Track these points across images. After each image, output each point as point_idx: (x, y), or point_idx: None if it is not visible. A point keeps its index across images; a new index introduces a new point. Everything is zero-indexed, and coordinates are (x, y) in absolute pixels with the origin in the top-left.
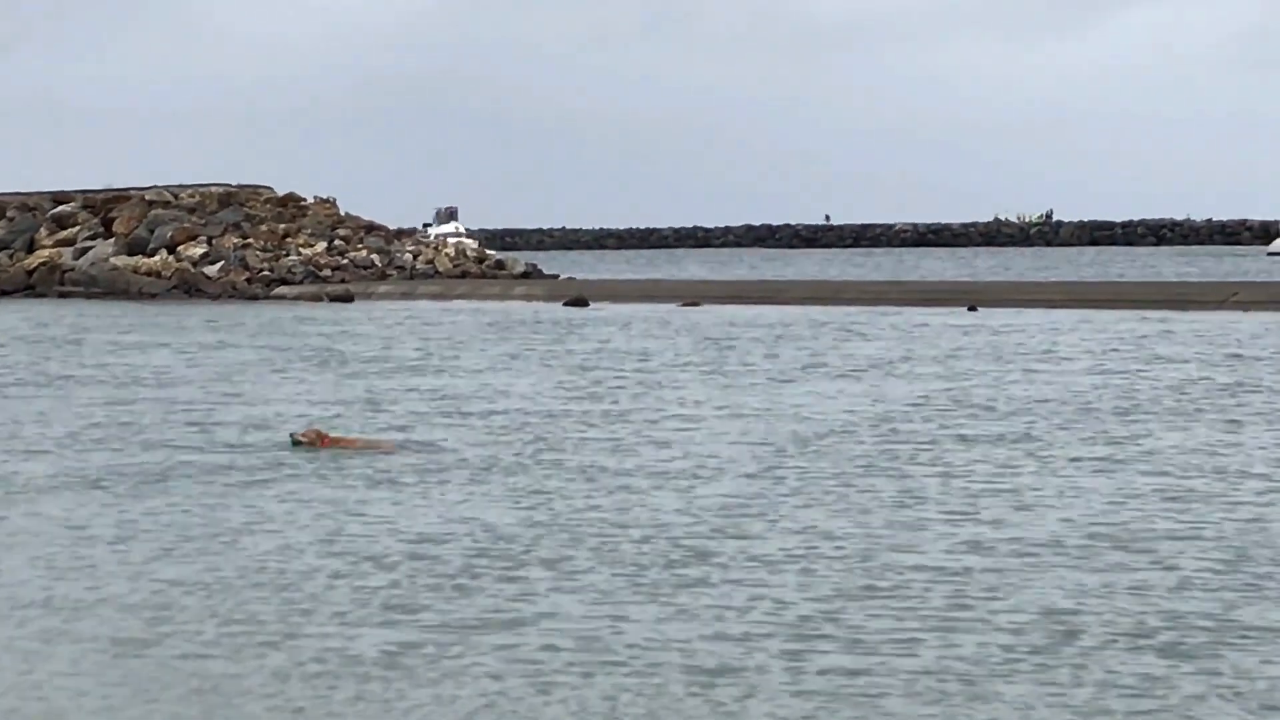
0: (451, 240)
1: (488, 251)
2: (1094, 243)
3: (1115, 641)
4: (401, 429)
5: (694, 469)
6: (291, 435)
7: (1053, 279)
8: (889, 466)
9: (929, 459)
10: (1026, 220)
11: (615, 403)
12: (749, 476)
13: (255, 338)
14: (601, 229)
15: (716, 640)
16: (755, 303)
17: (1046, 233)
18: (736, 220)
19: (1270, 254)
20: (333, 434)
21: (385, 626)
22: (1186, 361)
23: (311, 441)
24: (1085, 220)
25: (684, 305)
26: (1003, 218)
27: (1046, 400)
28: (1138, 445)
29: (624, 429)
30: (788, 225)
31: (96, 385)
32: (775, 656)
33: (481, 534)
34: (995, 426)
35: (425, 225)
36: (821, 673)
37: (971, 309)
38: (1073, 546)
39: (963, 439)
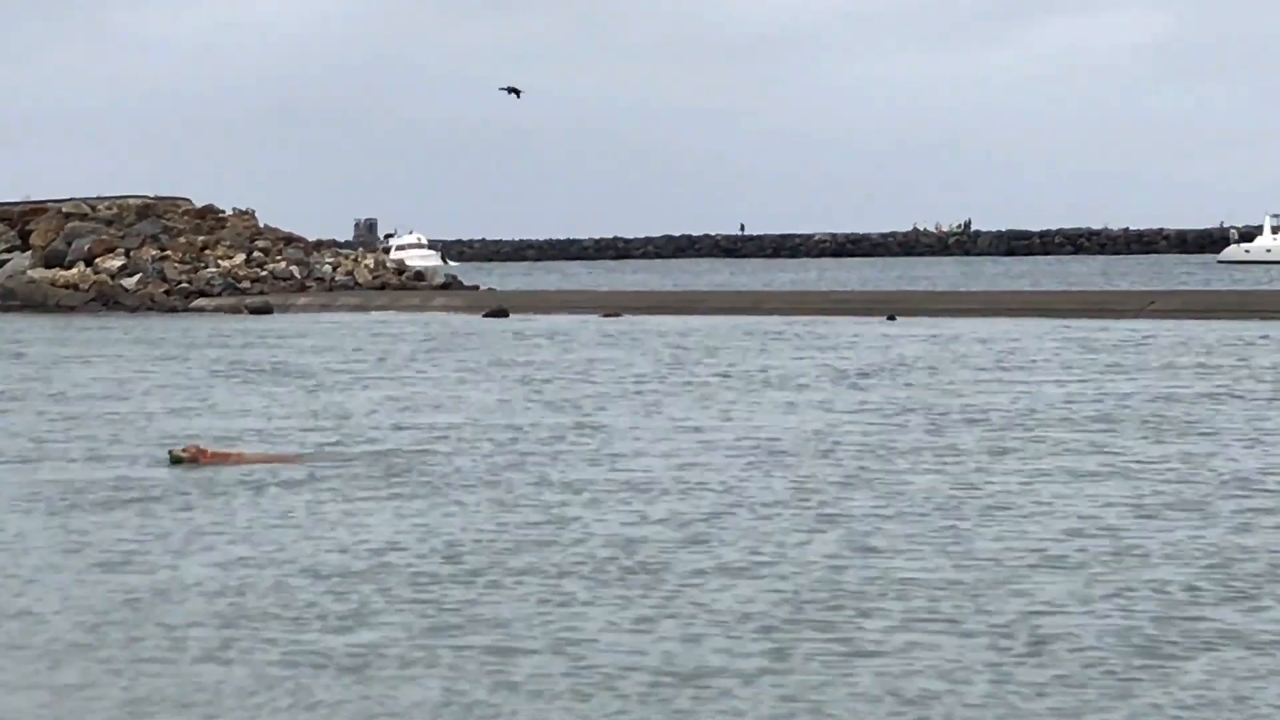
0: (416, 254)
1: (408, 263)
2: (1011, 252)
3: (1087, 650)
4: (339, 443)
5: (657, 481)
6: (170, 452)
7: (971, 288)
8: (859, 477)
9: (903, 468)
10: (945, 230)
11: (570, 415)
12: (717, 488)
13: (193, 349)
14: (521, 240)
15: (678, 645)
16: (676, 313)
17: (965, 242)
18: (656, 231)
19: (1221, 261)
20: (213, 449)
21: (339, 633)
22: (1137, 369)
23: (193, 458)
24: (1003, 230)
25: (605, 316)
26: (921, 227)
27: (1015, 410)
28: (1110, 454)
29: (577, 441)
30: (707, 236)
31: (41, 399)
32: (737, 662)
33: (427, 544)
34: (965, 436)
35: (387, 236)
36: (787, 678)
37: (891, 318)
38: (1050, 557)
39: (933, 449)
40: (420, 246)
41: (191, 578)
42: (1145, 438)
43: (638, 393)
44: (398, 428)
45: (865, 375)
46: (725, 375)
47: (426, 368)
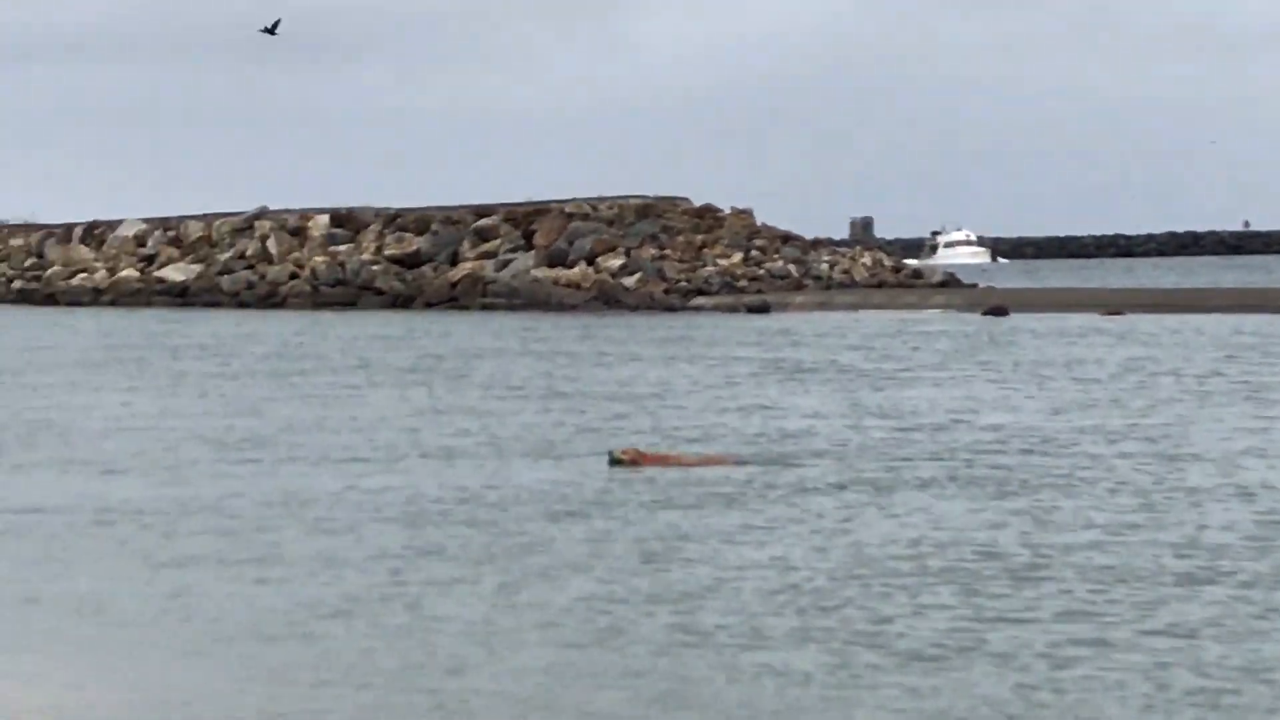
0: (965, 251)
1: (905, 261)
2: None
3: None
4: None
5: (1225, 485)
6: (610, 453)
7: None
8: None
9: None
10: None
11: (1125, 417)
12: None
13: (742, 349)
14: (1020, 237)
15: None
16: (1181, 311)
17: None
18: (1158, 227)
19: None
20: (654, 451)
21: (887, 622)
22: None
23: (633, 460)
24: None
25: (1106, 314)
26: None
27: None
28: None
29: (1141, 444)
30: (1212, 232)
31: (595, 400)
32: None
33: (998, 539)
34: None
35: (934, 233)
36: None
37: None
38: None
39: None
40: (970, 244)
41: (744, 572)
42: None
43: (1197, 393)
44: (952, 425)
45: None
46: None
47: (968, 367)
